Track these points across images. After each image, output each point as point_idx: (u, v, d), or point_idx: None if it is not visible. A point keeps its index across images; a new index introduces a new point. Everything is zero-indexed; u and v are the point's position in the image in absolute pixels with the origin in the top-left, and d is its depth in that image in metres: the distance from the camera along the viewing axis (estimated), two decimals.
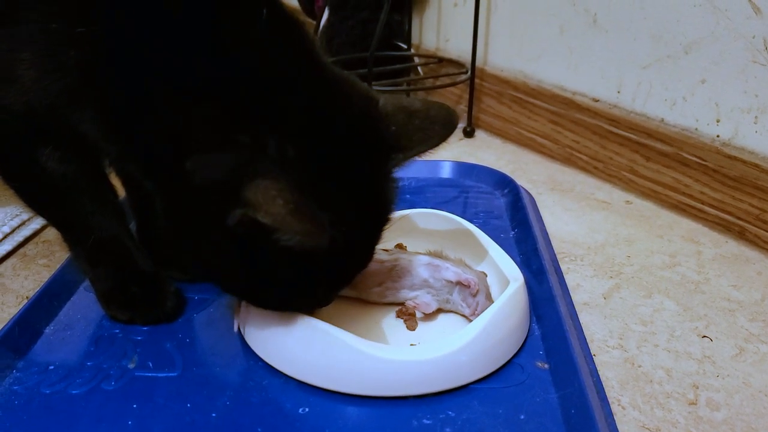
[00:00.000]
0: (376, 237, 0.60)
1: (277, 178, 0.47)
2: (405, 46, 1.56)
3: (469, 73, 1.35)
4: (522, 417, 0.57)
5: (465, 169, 1.07)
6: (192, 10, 0.52)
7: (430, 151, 0.61)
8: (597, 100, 1.15)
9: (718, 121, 0.97)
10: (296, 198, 0.47)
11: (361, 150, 0.56)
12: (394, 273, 0.70)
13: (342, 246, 0.53)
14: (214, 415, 0.56)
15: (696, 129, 1.00)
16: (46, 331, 0.67)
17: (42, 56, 0.54)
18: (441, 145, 0.61)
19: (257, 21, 0.52)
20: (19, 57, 0.54)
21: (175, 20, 0.51)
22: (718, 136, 0.97)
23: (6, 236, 0.90)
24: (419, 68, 1.55)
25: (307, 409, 0.57)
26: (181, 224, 0.56)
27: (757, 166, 0.91)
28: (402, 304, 0.70)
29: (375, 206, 0.58)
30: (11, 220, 0.92)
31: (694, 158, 0.99)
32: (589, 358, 0.65)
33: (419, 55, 1.58)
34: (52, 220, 0.68)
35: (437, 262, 0.69)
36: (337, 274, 0.60)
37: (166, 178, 0.54)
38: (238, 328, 0.66)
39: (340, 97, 0.56)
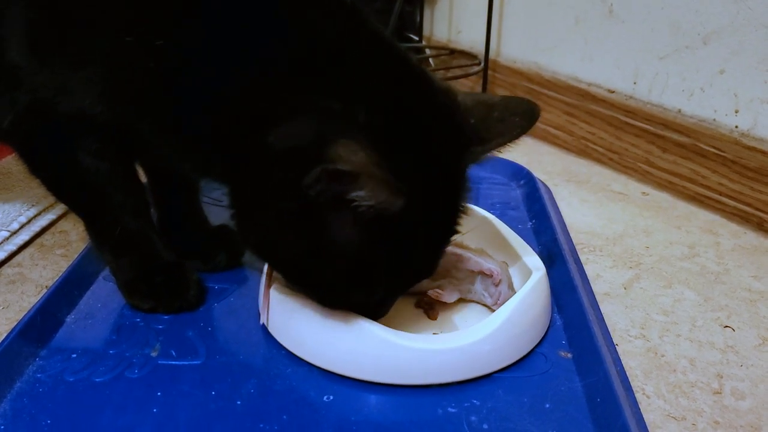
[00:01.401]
0: (446, 238, 0.58)
1: (362, 140, 0.46)
2: (416, 38, 1.56)
3: (482, 64, 1.34)
4: (547, 406, 0.56)
5: None
6: None
7: (510, 144, 0.59)
8: (612, 92, 1.15)
9: (736, 111, 0.96)
10: (378, 158, 0.46)
11: (442, 139, 0.55)
12: None
13: (413, 226, 0.52)
14: (239, 402, 0.56)
15: (714, 120, 0.99)
16: (67, 320, 0.67)
17: (114, 69, 0.55)
18: (521, 138, 0.59)
19: (343, 6, 0.54)
20: (89, 70, 0.55)
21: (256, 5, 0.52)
22: (736, 126, 0.97)
23: (23, 226, 0.89)
24: (431, 60, 1.55)
25: (331, 397, 0.57)
26: (250, 209, 0.55)
27: None
28: (423, 293, 0.69)
29: (451, 198, 0.57)
30: (28, 210, 0.92)
31: (712, 149, 0.98)
32: (611, 347, 0.64)
33: (431, 47, 1.57)
34: (80, 211, 0.69)
35: (459, 251, 0.69)
36: (403, 265, 0.56)
37: (238, 162, 0.54)
38: (263, 322, 0.65)
39: (424, 85, 0.55)
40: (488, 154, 0.59)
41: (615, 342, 0.67)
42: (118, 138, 0.61)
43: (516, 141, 0.59)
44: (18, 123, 0.61)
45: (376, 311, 0.60)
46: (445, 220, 0.57)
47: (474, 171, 1.01)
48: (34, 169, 0.64)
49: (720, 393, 0.62)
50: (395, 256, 0.54)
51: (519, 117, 0.59)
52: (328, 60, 0.52)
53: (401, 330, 0.63)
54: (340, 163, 0.45)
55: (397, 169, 0.47)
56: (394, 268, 0.56)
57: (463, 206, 0.58)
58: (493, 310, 0.63)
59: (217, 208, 0.88)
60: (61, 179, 0.65)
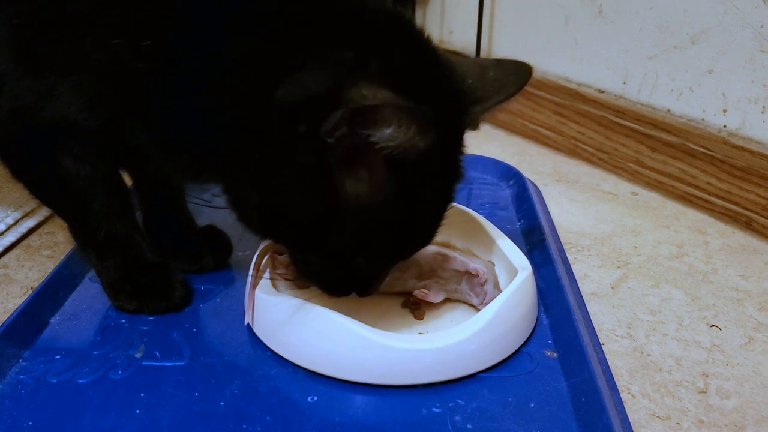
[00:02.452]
0: (447, 200, 0.58)
1: (381, 83, 0.45)
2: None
3: None
4: (532, 405, 0.56)
5: (470, 160, 1.03)
6: None
7: (506, 101, 0.59)
8: (602, 91, 1.15)
9: (725, 111, 0.96)
10: (402, 96, 0.45)
11: (447, 97, 0.54)
12: (402, 263, 0.69)
13: (428, 178, 0.52)
14: (222, 404, 0.56)
15: (703, 119, 1.00)
16: (52, 321, 0.67)
17: (102, 74, 0.54)
18: (516, 95, 0.60)
19: None
20: (75, 75, 0.55)
21: None
22: (725, 126, 0.97)
23: (9, 227, 0.89)
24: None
25: (315, 398, 0.57)
26: (251, 181, 0.53)
27: (764, 156, 0.90)
28: (409, 293, 0.69)
29: (454, 159, 0.56)
30: (14, 211, 0.92)
31: (701, 149, 0.98)
32: (597, 346, 0.64)
33: None
34: (63, 215, 0.68)
35: (445, 251, 0.69)
36: (410, 227, 0.55)
37: (239, 135, 0.52)
38: (248, 322, 0.65)
39: (427, 45, 0.55)
40: (486, 113, 0.59)
41: (601, 341, 0.67)
42: (102, 142, 0.60)
43: (512, 98, 0.60)
44: (0, 128, 0.60)
45: (370, 284, 0.60)
46: (448, 181, 0.57)
47: (465, 170, 1.03)
48: (15, 174, 0.63)
49: (705, 392, 0.62)
50: (405, 214, 0.53)
51: (513, 76, 0.60)
52: (333, 14, 0.51)
53: (387, 330, 0.63)
54: (364, 101, 0.44)
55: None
56: (401, 230, 0.55)
57: (462, 168, 0.58)
58: (479, 310, 0.63)
59: (204, 208, 0.88)
60: (44, 183, 0.64)
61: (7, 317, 0.64)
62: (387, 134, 0.45)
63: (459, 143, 0.57)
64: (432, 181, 0.53)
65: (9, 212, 0.91)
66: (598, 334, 0.67)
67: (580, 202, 1.02)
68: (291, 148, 0.49)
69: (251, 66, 0.51)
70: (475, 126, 0.59)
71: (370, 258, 0.56)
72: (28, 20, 0.55)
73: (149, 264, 0.68)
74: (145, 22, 0.52)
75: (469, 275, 0.67)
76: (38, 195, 0.67)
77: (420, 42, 0.55)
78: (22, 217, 0.91)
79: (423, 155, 0.47)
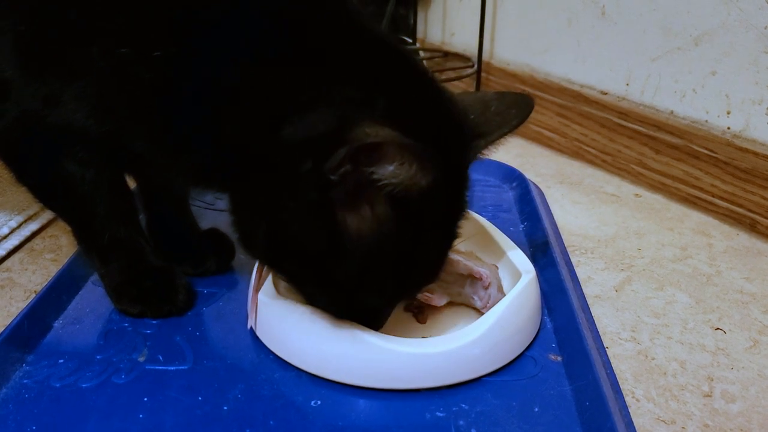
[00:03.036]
0: (452, 237, 0.58)
1: (385, 121, 0.46)
2: (410, 41, 1.56)
3: (476, 66, 1.34)
4: (536, 409, 0.56)
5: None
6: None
7: (509, 134, 0.60)
8: (605, 93, 1.14)
9: (728, 112, 0.96)
10: (405, 135, 0.45)
11: (451, 133, 0.55)
12: None
13: (431, 215, 0.52)
14: (225, 408, 0.56)
15: (706, 121, 0.99)
16: (55, 325, 0.67)
17: (108, 82, 0.54)
18: (519, 127, 0.60)
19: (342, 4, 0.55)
20: (81, 83, 0.55)
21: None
22: (728, 128, 0.96)
23: (13, 231, 0.89)
24: (424, 62, 1.55)
25: (319, 402, 0.57)
26: (257, 213, 0.54)
27: None
28: (412, 297, 0.69)
29: (459, 193, 0.57)
30: (18, 214, 0.92)
31: (705, 150, 0.98)
32: (602, 350, 0.64)
33: (424, 50, 1.57)
34: (67, 218, 0.68)
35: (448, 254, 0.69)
36: (415, 264, 0.56)
37: (244, 165, 0.53)
38: (251, 326, 0.65)
39: (430, 81, 0.56)
40: (489, 147, 0.60)
41: (605, 345, 0.67)
42: (106, 147, 0.60)
43: (514, 131, 0.60)
44: (4, 134, 0.60)
45: (377, 319, 0.60)
46: (452, 218, 0.57)
47: None
48: (20, 177, 0.63)
49: (710, 396, 0.62)
50: (409, 251, 0.54)
51: (515, 109, 0.61)
52: (338, 55, 0.52)
53: (390, 334, 0.63)
54: (367, 139, 0.44)
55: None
56: (404, 267, 0.55)
57: (466, 203, 0.58)
58: (483, 314, 0.63)
59: (207, 211, 0.88)
60: (48, 187, 0.64)
61: (10, 321, 0.64)
62: (389, 171, 0.46)
63: (463, 178, 0.57)
64: (435, 217, 0.54)
65: (12, 216, 0.91)
66: (602, 338, 0.67)
67: (584, 204, 1.02)
68: (295, 183, 0.50)
69: (259, 96, 0.51)
70: (479, 155, 0.60)
71: (374, 294, 0.57)
72: (34, 26, 0.54)
73: (152, 267, 0.68)
74: (156, 33, 0.52)
75: (473, 278, 0.67)
76: (42, 199, 0.67)
77: (423, 78, 0.56)
78: (25, 221, 0.91)
79: (425, 193, 0.48)
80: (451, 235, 0.58)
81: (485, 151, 0.60)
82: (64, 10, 0.53)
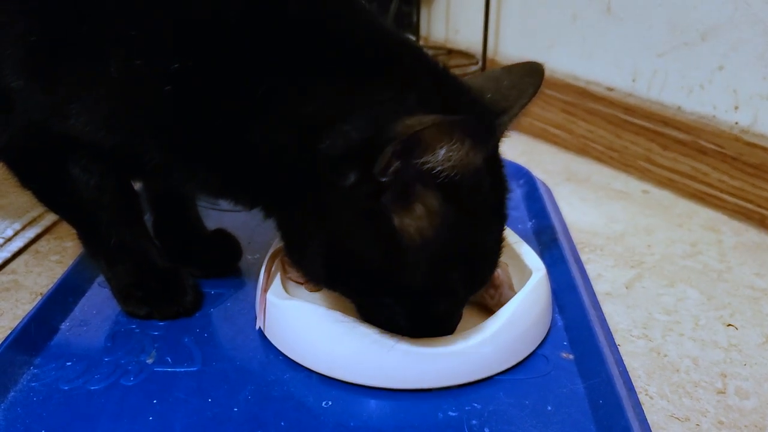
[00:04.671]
0: (504, 212, 0.57)
1: (423, 112, 0.45)
2: (414, 38, 1.55)
3: (480, 64, 1.33)
4: (549, 408, 0.56)
5: None
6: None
7: (528, 103, 0.60)
8: (611, 89, 1.14)
9: (736, 107, 0.95)
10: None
11: (482, 117, 0.54)
12: None
13: (484, 201, 0.52)
14: (235, 409, 0.55)
15: (714, 116, 0.99)
16: (62, 327, 0.66)
17: (123, 95, 0.53)
18: (536, 95, 0.60)
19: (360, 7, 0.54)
20: (92, 95, 0.53)
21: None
22: (736, 123, 0.96)
23: (17, 233, 0.89)
24: None
25: (330, 403, 0.56)
26: (307, 234, 0.53)
27: None
28: None
29: (500, 177, 0.56)
30: (22, 216, 0.91)
31: (713, 146, 0.98)
32: (614, 347, 0.64)
33: (428, 47, 1.56)
34: (72, 223, 0.68)
35: None
36: (477, 256, 0.55)
37: (282, 184, 0.52)
38: (260, 327, 0.64)
39: (447, 74, 0.56)
40: (513, 121, 0.59)
41: (617, 342, 0.66)
42: (114, 156, 0.59)
43: (533, 99, 0.60)
44: (10, 142, 0.60)
45: (450, 321, 0.58)
46: (500, 198, 0.56)
47: None
48: (24, 182, 0.63)
49: (724, 392, 0.61)
50: (470, 241, 0.53)
51: (527, 77, 0.60)
52: (361, 57, 0.51)
53: None
54: (412, 130, 0.43)
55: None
56: (468, 258, 0.54)
57: (507, 182, 0.58)
58: (494, 312, 0.62)
59: (212, 211, 0.87)
60: (52, 193, 0.64)
61: (17, 324, 0.63)
62: (442, 155, 0.45)
63: (498, 158, 0.57)
64: (486, 201, 0.53)
65: (17, 218, 0.91)
66: (613, 335, 0.67)
67: (591, 201, 1.01)
68: (343, 197, 0.49)
69: (288, 108, 0.50)
70: (506, 132, 0.59)
71: (445, 295, 0.55)
72: (44, 37, 0.52)
73: (159, 269, 0.67)
74: (176, 44, 0.51)
75: None
76: (47, 203, 0.66)
77: (438, 68, 0.55)
78: (30, 223, 0.91)
79: (478, 173, 0.48)
80: (502, 216, 0.57)
81: (510, 126, 0.59)
82: (76, 20, 0.52)
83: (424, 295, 0.54)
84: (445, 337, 0.60)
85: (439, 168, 0.45)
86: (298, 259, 0.56)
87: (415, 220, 0.49)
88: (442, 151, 0.45)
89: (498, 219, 0.57)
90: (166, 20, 0.51)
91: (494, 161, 0.55)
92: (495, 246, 0.57)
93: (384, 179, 0.46)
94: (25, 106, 0.56)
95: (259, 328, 0.64)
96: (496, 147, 0.57)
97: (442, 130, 0.44)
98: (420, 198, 0.49)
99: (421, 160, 0.45)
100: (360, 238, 0.50)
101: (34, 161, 0.61)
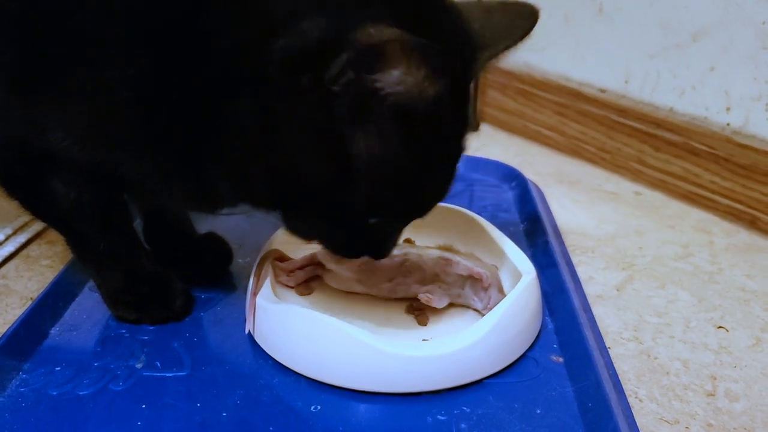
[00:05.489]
0: (461, 146, 0.54)
1: (390, 24, 0.41)
2: None
3: None
4: (538, 411, 0.56)
5: (471, 162, 1.05)
6: None
7: (513, 46, 0.57)
8: (604, 91, 1.14)
9: (728, 109, 0.96)
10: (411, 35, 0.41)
11: (457, 42, 0.51)
12: (404, 268, 0.68)
13: (438, 129, 0.49)
14: (224, 414, 0.55)
15: (705, 118, 0.99)
16: (52, 332, 0.66)
17: (98, 109, 0.52)
18: (524, 40, 0.57)
19: None
20: (69, 110, 0.53)
21: None
22: (728, 124, 0.96)
23: (8, 237, 0.89)
24: None
25: (319, 407, 0.56)
26: (252, 152, 0.49)
27: None
28: (412, 299, 0.68)
29: (463, 107, 0.53)
30: (13, 221, 0.91)
31: (704, 147, 0.98)
32: (604, 350, 0.64)
33: None
34: (60, 231, 0.67)
35: (448, 256, 0.68)
36: (425, 181, 0.53)
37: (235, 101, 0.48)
38: (249, 330, 0.64)
39: None
40: (492, 60, 0.56)
41: (607, 345, 0.66)
42: (94, 171, 0.58)
43: (519, 43, 0.57)
44: None
45: (384, 246, 0.58)
46: (459, 131, 0.54)
47: (465, 173, 1.02)
48: (9, 193, 0.63)
49: (713, 395, 0.61)
50: (418, 168, 0.50)
51: (519, 19, 0.57)
52: None
53: (390, 336, 0.63)
54: (371, 40, 0.40)
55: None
56: (416, 185, 0.52)
57: (469, 119, 0.55)
58: (484, 315, 0.62)
59: (203, 215, 0.87)
60: (36, 204, 0.64)
61: (6, 328, 0.63)
62: (395, 77, 0.42)
63: (466, 91, 0.54)
64: (444, 131, 0.50)
65: (7, 222, 0.90)
66: (603, 337, 0.66)
67: (583, 202, 1.01)
68: (295, 105, 0.46)
69: (242, 25, 0.47)
70: (483, 68, 0.56)
71: (386, 218, 0.54)
72: (21, 53, 0.52)
73: (149, 274, 0.67)
74: (129, 49, 0.50)
75: (473, 279, 0.67)
76: (34, 214, 0.66)
77: None
78: (21, 227, 0.90)
79: (433, 104, 0.44)
80: (458, 149, 0.54)
81: (488, 64, 0.56)
82: (52, 35, 0.51)
83: (362, 214, 0.52)
84: (434, 342, 0.60)
85: (389, 90, 0.43)
86: (239, 182, 0.53)
87: (365, 137, 0.47)
88: (396, 73, 0.42)
89: (452, 152, 0.54)
90: (118, 31, 0.49)
91: (460, 93, 0.52)
92: (444, 176, 0.55)
93: (335, 88, 0.44)
94: (5, 120, 0.56)
95: (249, 332, 0.64)
96: (468, 80, 0.54)
97: (399, 50, 0.41)
98: (371, 115, 0.46)
99: (374, 77, 0.42)
100: (308, 152, 0.48)
101: (15, 174, 0.61)
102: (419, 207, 0.56)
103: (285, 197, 0.53)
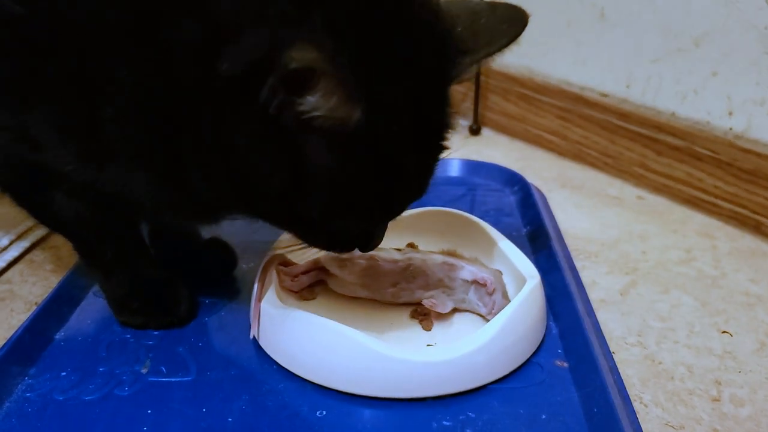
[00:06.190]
0: (432, 154, 0.53)
1: (320, 42, 0.41)
2: None
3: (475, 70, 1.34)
4: (543, 416, 0.56)
5: (473, 167, 1.05)
6: None
7: (498, 52, 0.55)
8: (605, 95, 1.14)
9: (730, 113, 0.96)
10: (335, 58, 0.41)
11: (423, 49, 0.49)
12: (408, 273, 0.68)
13: (386, 141, 0.48)
14: (230, 419, 0.55)
15: (708, 122, 0.99)
16: (57, 337, 0.66)
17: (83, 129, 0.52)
18: (510, 46, 0.56)
19: None
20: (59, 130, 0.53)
21: None
22: (731, 128, 0.96)
23: (12, 243, 0.89)
24: None
25: (324, 412, 0.56)
26: (220, 160, 0.49)
27: None
28: (417, 304, 0.69)
29: (435, 112, 0.52)
30: (17, 226, 0.91)
31: (707, 152, 0.98)
32: (608, 355, 0.64)
33: None
34: (67, 238, 0.68)
35: (452, 261, 0.68)
36: (389, 186, 0.52)
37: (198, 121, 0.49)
38: (254, 336, 0.64)
39: None
40: (475, 66, 0.55)
41: (612, 350, 0.66)
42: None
43: (504, 49, 0.56)
44: None
45: (368, 242, 0.57)
46: (429, 135, 0.53)
47: (467, 177, 1.03)
48: (17, 202, 0.64)
49: (719, 400, 0.61)
50: (377, 176, 0.50)
51: (507, 24, 0.56)
52: None
53: (395, 342, 0.63)
54: (291, 65, 0.40)
55: (361, 79, 0.43)
56: (380, 191, 0.51)
57: (449, 120, 0.54)
58: (488, 320, 0.62)
59: None
60: (45, 215, 0.65)
61: (11, 334, 0.63)
62: (312, 102, 0.43)
63: (442, 95, 0.53)
64: (388, 147, 0.49)
65: (12, 228, 0.91)
66: (608, 343, 0.67)
67: (586, 207, 1.01)
68: (246, 116, 0.46)
69: (196, 36, 0.46)
70: (464, 73, 0.54)
71: (357, 219, 0.53)
72: (9, 76, 0.53)
73: (154, 279, 0.67)
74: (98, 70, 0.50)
75: (477, 284, 0.67)
76: (42, 222, 0.67)
77: None
78: (25, 233, 0.91)
79: (356, 127, 0.44)
80: (434, 149, 0.53)
81: (471, 69, 0.55)
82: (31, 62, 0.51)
83: (325, 220, 0.52)
84: (439, 347, 0.60)
85: (313, 113, 0.43)
86: (214, 185, 0.52)
87: (307, 148, 0.47)
88: (312, 99, 0.43)
89: (423, 151, 0.53)
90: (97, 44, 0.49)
91: (435, 98, 0.52)
92: (417, 175, 0.54)
93: (270, 109, 0.44)
94: (3, 136, 0.56)
95: (254, 337, 0.64)
96: (443, 84, 0.53)
97: (317, 75, 0.41)
98: (305, 131, 0.46)
99: (298, 100, 0.43)
100: (262, 160, 0.48)
101: (20, 186, 0.62)
102: (390, 209, 0.56)
103: (252, 204, 0.53)
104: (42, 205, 0.62)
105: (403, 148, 0.50)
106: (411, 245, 0.77)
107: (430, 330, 0.66)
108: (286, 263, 0.71)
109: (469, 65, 0.54)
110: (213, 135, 0.48)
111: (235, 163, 0.49)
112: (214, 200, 0.55)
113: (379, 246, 0.63)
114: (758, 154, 0.91)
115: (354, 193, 0.50)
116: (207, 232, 0.78)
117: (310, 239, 0.57)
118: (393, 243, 0.73)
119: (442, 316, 0.67)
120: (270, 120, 0.45)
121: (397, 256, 0.69)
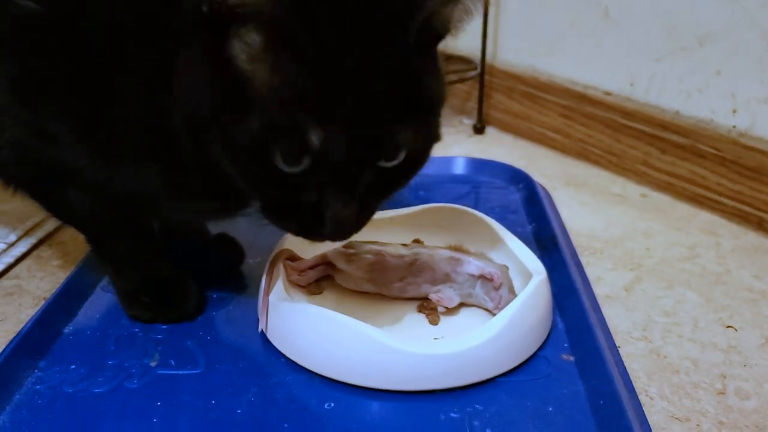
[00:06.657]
0: (365, 50, 0.46)
1: None
2: None
3: (479, 69, 1.34)
4: (550, 409, 0.56)
5: (478, 164, 1.06)
6: None
7: None
8: (609, 94, 1.14)
9: (734, 111, 0.96)
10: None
11: None
12: (415, 268, 0.69)
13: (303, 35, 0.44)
14: (239, 411, 0.56)
15: (712, 120, 0.99)
16: (66, 331, 0.67)
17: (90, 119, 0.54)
18: None
19: None
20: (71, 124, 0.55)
21: None
22: (734, 126, 0.96)
23: (20, 238, 0.89)
24: None
25: (332, 405, 0.57)
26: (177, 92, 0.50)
27: None
28: (423, 299, 0.69)
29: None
30: (24, 222, 0.92)
31: (711, 149, 0.98)
32: (614, 349, 0.64)
33: None
34: (80, 232, 0.69)
35: (458, 255, 0.69)
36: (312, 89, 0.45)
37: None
38: (262, 329, 0.65)
39: None
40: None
41: (617, 344, 0.67)
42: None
43: None
44: (6, 163, 0.61)
45: (321, 221, 0.50)
46: (356, 30, 0.46)
47: (472, 175, 1.03)
48: (31, 198, 0.65)
49: (724, 393, 0.62)
50: (302, 72, 0.44)
51: None
52: None
53: (402, 335, 0.63)
54: None
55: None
56: (309, 94, 0.45)
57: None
58: (495, 315, 0.63)
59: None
60: (59, 210, 0.66)
61: (20, 328, 0.64)
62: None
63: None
64: (323, 33, 0.44)
65: (19, 223, 0.91)
66: (613, 337, 0.67)
67: (590, 205, 1.02)
68: (196, 38, 0.47)
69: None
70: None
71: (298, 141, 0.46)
72: (26, 72, 0.54)
73: (164, 275, 0.68)
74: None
75: (484, 279, 0.67)
76: (55, 217, 0.69)
77: None
78: (32, 228, 0.91)
79: (282, 9, 0.43)
80: (365, 44, 0.46)
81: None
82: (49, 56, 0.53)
83: (265, 143, 0.46)
84: (447, 340, 0.60)
85: (238, 5, 0.43)
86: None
87: (240, 49, 0.45)
88: None
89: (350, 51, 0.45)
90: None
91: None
92: (343, 86, 0.45)
93: (204, 9, 0.44)
94: (12, 131, 0.58)
95: (262, 330, 0.64)
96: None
97: None
98: (242, 35, 0.45)
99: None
100: (203, 80, 0.48)
101: (34, 181, 0.63)
102: (326, 117, 0.46)
103: (194, 127, 0.49)
104: (56, 200, 0.63)
105: (325, 41, 0.45)
106: (417, 241, 0.77)
107: (437, 324, 0.67)
108: (294, 258, 0.71)
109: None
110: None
111: (182, 92, 0.49)
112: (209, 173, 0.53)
113: (386, 241, 0.64)
114: (762, 152, 0.92)
115: (285, 100, 0.45)
116: (215, 228, 0.79)
117: (266, 198, 0.52)
118: (399, 239, 0.73)
119: (448, 311, 0.68)
120: (203, 30, 0.46)
121: (403, 251, 0.70)
